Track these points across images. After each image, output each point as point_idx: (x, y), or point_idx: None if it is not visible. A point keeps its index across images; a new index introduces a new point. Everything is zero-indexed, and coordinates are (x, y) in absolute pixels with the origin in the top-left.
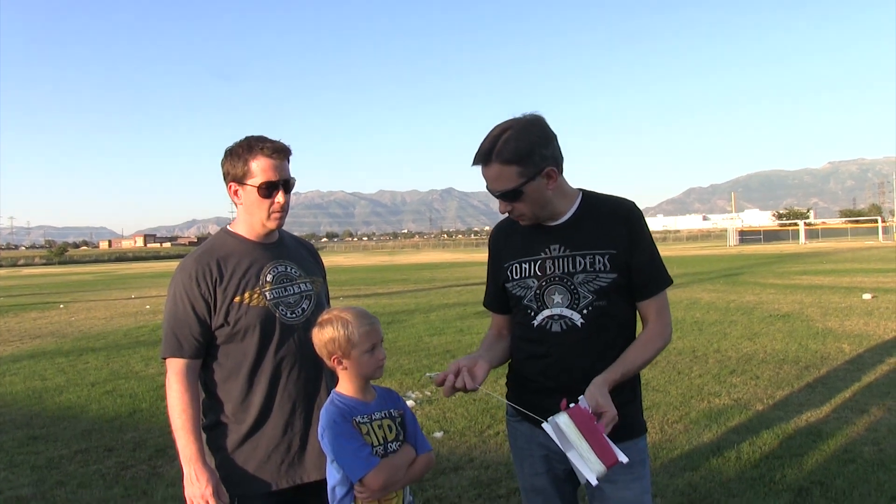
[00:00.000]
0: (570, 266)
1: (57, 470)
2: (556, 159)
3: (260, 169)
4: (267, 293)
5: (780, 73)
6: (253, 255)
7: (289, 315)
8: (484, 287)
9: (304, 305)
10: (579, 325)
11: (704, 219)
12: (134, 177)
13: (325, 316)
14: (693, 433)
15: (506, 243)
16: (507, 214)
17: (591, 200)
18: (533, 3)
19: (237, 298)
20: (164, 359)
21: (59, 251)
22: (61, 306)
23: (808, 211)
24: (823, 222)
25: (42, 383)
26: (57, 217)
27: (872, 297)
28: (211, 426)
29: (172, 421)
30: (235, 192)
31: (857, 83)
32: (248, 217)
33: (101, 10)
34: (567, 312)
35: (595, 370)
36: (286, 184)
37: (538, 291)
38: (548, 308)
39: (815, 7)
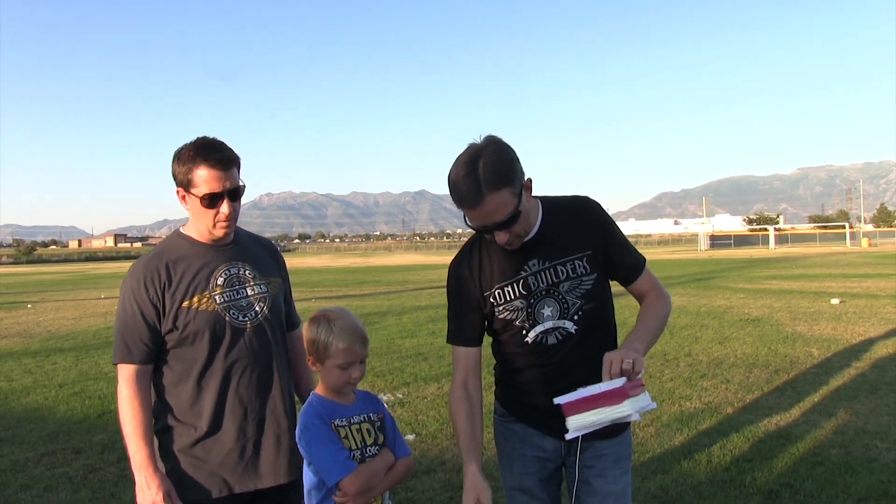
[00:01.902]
0: (554, 276)
1: (22, 473)
2: (524, 171)
3: (203, 180)
4: (216, 297)
5: (751, 79)
6: (204, 257)
7: (240, 319)
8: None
9: (257, 308)
10: (573, 331)
11: (676, 223)
12: (105, 175)
13: (319, 313)
14: (664, 436)
15: (479, 274)
16: (502, 244)
17: (552, 207)
18: (505, 4)
19: (185, 303)
20: (115, 364)
21: (28, 250)
22: (29, 306)
23: (777, 216)
24: (793, 227)
25: (8, 384)
26: (25, 215)
27: (840, 302)
28: (162, 430)
29: (123, 427)
30: (183, 198)
31: (827, 91)
32: (196, 223)
33: (75, 4)
34: (559, 323)
35: (590, 369)
36: (233, 193)
37: (529, 310)
38: (540, 323)
39: (786, 15)
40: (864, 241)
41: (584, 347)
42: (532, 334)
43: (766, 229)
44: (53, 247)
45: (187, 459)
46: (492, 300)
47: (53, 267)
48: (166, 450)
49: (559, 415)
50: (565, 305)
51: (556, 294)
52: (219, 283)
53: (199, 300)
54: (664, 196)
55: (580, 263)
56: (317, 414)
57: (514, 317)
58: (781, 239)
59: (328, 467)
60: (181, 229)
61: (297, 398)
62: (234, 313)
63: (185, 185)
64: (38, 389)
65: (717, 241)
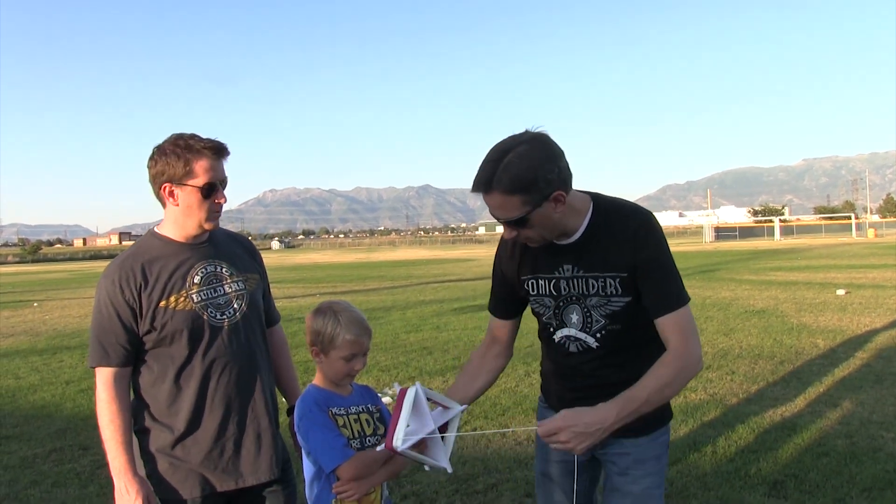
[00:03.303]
0: (584, 288)
1: (30, 469)
2: (564, 180)
3: (203, 169)
4: (194, 295)
5: (755, 71)
6: (180, 256)
7: (218, 316)
8: (478, 285)
9: (235, 305)
10: (594, 347)
11: (681, 215)
12: (109, 174)
13: (324, 305)
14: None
15: (521, 254)
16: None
17: (603, 214)
18: (511, 1)
19: (163, 303)
20: (92, 368)
21: (33, 249)
22: (35, 304)
23: (783, 208)
24: (798, 219)
25: (15, 382)
26: (30, 215)
27: (846, 293)
28: (140, 431)
29: (101, 432)
30: (171, 193)
31: (832, 82)
32: (184, 218)
33: (78, 5)
34: (581, 335)
35: (617, 380)
36: (223, 183)
37: (556, 311)
38: (566, 327)
39: (790, 8)
40: (871, 232)
41: (607, 360)
42: (558, 335)
43: (771, 221)
44: (58, 245)
45: (167, 460)
46: (527, 286)
47: (58, 265)
48: (146, 450)
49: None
50: (589, 320)
51: (583, 306)
52: (195, 281)
53: (177, 299)
54: (669, 188)
55: (612, 283)
56: (314, 402)
57: (543, 312)
58: (787, 230)
59: (325, 454)
60: (155, 229)
61: (279, 394)
62: (211, 311)
63: (179, 178)
64: (45, 387)
65: (722, 232)
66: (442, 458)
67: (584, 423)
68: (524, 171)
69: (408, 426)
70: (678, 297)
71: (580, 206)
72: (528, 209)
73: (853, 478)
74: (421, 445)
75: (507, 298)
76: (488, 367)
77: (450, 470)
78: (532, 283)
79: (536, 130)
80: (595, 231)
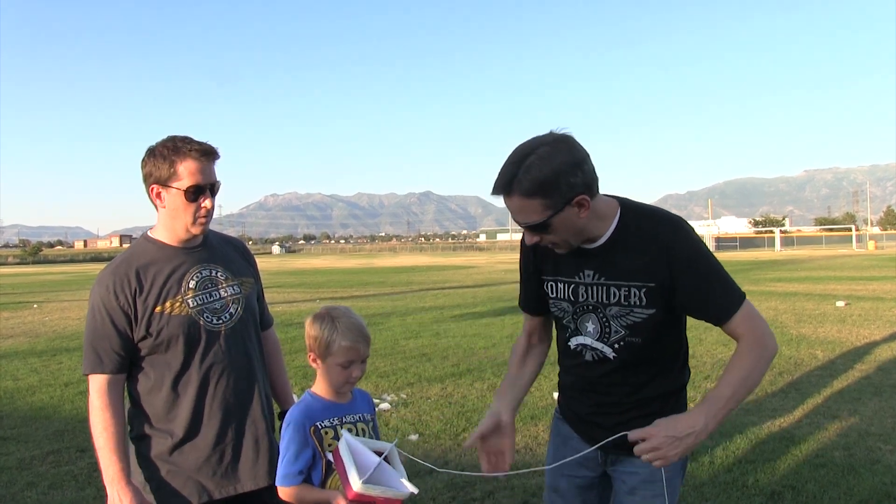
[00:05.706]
0: (605, 296)
1: (28, 471)
2: (588, 184)
3: (187, 172)
4: (189, 300)
5: (757, 81)
6: (174, 261)
7: (214, 321)
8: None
9: (231, 310)
10: (611, 357)
11: None
12: (110, 176)
13: (323, 310)
14: None
15: (543, 256)
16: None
17: (631, 219)
18: (510, 6)
19: (158, 308)
20: (86, 375)
21: (33, 251)
22: (35, 306)
23: (783, 218)
24: (799, 230)
25: (14, 384)
26: (31, 216)
27: (846, 305)
28: (138, 437)
29: (94, 440)
30: (158, 195)
31: (833, 92)
32: (171, 222)
33: (78, 4)
34: (598, 345)
35: (632, 397)
36: (213, 187)
37: (574, 316)
38: (581, 335)
39: (791, 17)
40: (871, 244)
41: (624, 374)
42: (574, 342)
43: (771, 231)
44: (59, 247)
45: (165, 466)
46: (546, 287)
47: (59, 267)
48: (143, 457)
49: (598, 424)
50: (607, 329)
51: (601, 314)
52: (191, 286)
53: (172, 305)
54: (669, 198)
55: (636, 293)
56: (302, 413)
57: (562, 315)
58: (787, 241)
59: (280, 469)
60: (149, 233)
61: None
62: (207, 316)
63: (164, 180)
64: (43, 388)
65: (722, 243)
66: (405, 487)
67: (675, 427)
68: (545, 173)
69: (355, 466)
70: (737, 296)
71: (606, 210)
72: (550, 213)
73: (851, 490)
74: (379, 479)
75: (534, 295)
76: (534, 360)
77: (415, 491)
78: (552, 286)
79: (561, 132)
80: (622, 237)
